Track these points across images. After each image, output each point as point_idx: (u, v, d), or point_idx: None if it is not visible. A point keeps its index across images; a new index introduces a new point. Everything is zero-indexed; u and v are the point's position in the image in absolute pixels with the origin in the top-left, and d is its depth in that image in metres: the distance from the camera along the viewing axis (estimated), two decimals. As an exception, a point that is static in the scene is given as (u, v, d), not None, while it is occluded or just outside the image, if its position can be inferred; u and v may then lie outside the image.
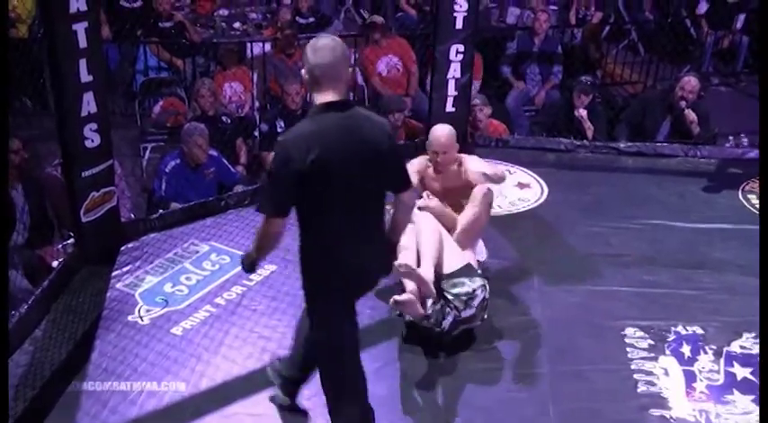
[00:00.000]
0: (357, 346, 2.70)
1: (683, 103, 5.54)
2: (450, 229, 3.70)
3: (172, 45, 6.68)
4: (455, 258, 3.52)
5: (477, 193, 3.74)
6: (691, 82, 5.56)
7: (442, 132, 3.78)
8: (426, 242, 3.47)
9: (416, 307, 3.31)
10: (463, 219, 3.74)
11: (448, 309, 3.40)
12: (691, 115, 5.55)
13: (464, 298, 3.40)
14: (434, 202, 3.75)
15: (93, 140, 3.93)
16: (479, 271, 3.58)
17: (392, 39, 6.54)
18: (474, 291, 3.41)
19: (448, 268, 3.48)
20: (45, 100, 5.78)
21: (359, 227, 2.56)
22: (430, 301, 3.40)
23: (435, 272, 3.44)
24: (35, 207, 4.47)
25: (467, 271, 3.48)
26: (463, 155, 3.89)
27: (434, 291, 3.36)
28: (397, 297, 3.28)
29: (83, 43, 3.73)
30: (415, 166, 3.82)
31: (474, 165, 3.82)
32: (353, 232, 2.55)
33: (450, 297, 3.41)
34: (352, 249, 2.55)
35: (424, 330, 3.44)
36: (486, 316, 3.51)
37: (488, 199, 3.78)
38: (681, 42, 7.28)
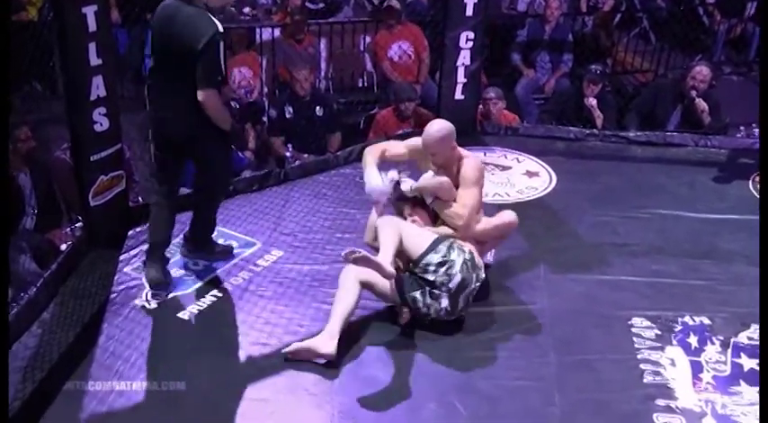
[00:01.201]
0: (164, 168, 3.71)
1: (693, 93, 5.51)
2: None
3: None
4: (419, 244, 3.42)
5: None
6: (702, 71, 5.52)
7: (430, 131, 3.58)
8: (383, 235, 3.41)
9: (311, 354, 3.24)
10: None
11: (436, 291, 3.37)
12: (701, 105, 5.52)
13: (441, 271, 3.35)
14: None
15: (101, 124, 3.93)
16: (449, 241, 3.46)
17: (405, 25, 6.51)
18: (444, 257, 3.36)
19: (415, 255, 3.42)
20: (54, 83, 5.78)
21: (167, 91, 3.51)
22: (419, 295, 3.37)
23: (407, 264, 3.43)
24: (43, 191, 4.49)
25: (431, 248, 3.40)
26: (466, 163, 3.62)
27: (392, 271, 3.29)
28: (287, 349, 3.25)
29: (92, 27, 3.73)
30: (411, 143, 3.77)
31: (462, 190, 3.60)
32: (163, 94, 3.54)
33: (430, 279, 3.37)
34: (160, 105, 3.57)
35: (436, 321, 3.44)
36: (482, 274, 3.45)
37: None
38: (693, 30, 7.22)
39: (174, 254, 4.04)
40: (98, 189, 4.02)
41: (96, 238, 4.08)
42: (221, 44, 3.36)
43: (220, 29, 3.34)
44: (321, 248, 4.12)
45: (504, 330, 3.51)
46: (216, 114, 3.45)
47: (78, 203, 4.13)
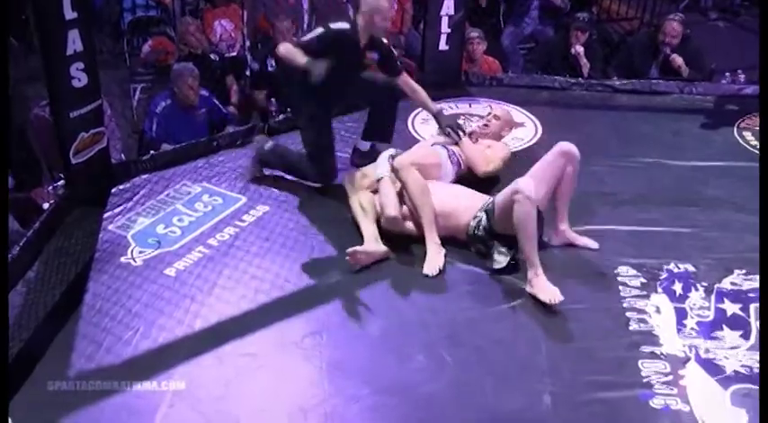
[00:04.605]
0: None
1: (667, 49, 5.49)
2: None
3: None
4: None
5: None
6: (673, 26, 5.50)
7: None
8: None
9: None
10: None
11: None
12: (677, 61, 5.50)
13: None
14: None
15: (80, 80, 3.85)
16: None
17: (391, -26, 6.40)
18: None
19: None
20: (31, 39, 5.67)
21: None
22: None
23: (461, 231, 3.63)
24: (22, 149, 4.43)
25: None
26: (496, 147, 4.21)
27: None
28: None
29: (66, -21, 3.64)
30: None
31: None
32: None
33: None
34: None
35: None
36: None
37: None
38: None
39: (159, 211, 4.02)
40: (79, 146, 3.96)
41: (79, 196, 4.04)
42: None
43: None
44: (307, 203, 4.10)
45: (490, 281, 3.52)
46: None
47: (59, 161, 4.07)
